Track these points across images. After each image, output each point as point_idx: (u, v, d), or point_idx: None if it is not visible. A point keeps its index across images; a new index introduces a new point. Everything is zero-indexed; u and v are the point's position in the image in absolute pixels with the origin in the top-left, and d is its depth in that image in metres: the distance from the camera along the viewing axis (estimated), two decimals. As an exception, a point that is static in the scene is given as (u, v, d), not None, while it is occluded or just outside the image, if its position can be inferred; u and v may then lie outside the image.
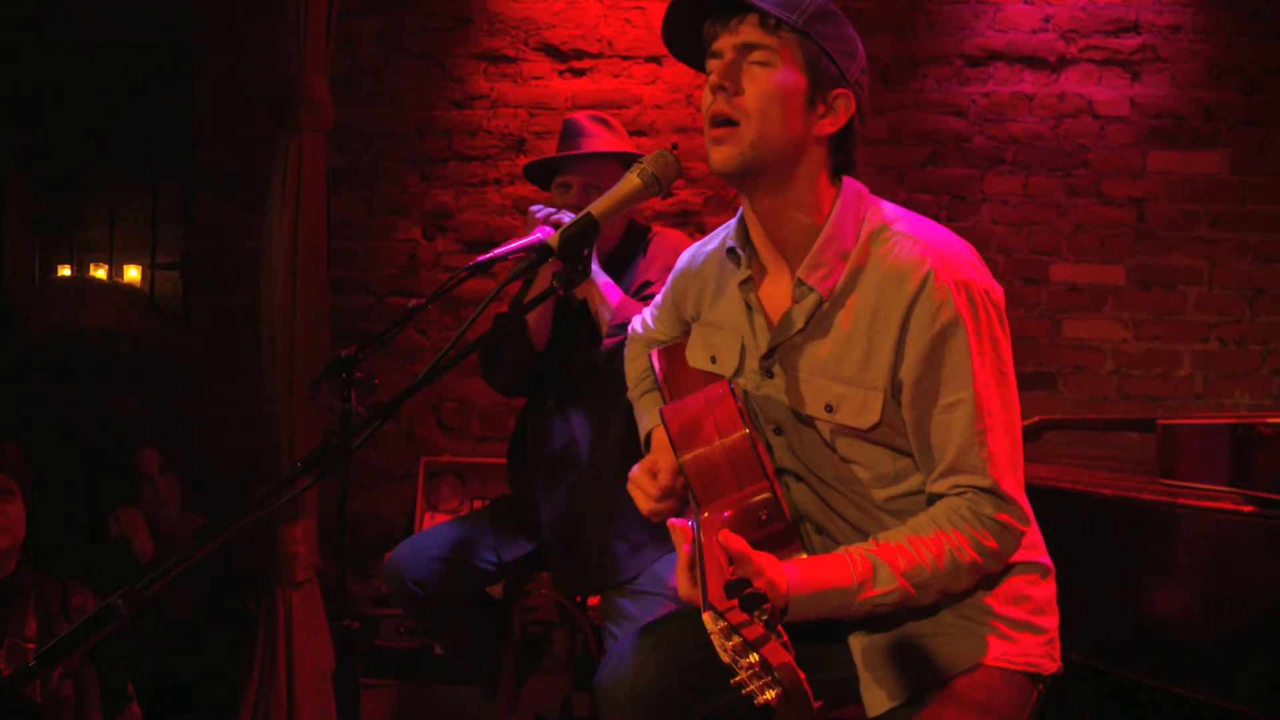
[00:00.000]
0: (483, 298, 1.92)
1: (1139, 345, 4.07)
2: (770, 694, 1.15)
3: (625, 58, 4.23)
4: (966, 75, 4.13)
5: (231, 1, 4.33)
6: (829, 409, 1.61)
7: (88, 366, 4.45)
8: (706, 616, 1.22)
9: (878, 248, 1.61)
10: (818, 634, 1.58)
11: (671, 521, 1.47)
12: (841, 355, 1.61)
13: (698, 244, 1.93)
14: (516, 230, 4.12)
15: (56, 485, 3.73)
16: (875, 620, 1.62)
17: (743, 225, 1.73)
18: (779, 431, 1.72)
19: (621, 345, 2.42)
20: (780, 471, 1.74)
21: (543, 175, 2.81)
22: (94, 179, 4.62)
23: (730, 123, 1.58)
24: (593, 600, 2.94)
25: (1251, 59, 4.03)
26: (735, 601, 1.19)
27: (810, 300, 1.62)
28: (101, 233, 4.65)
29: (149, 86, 4.50)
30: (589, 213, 1.57)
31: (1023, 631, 1.63)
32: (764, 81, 1.57)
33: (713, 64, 1.62)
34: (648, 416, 1.99)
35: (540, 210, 2.58)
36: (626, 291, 2.57)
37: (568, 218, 2.48)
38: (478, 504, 3.99)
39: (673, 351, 1.91)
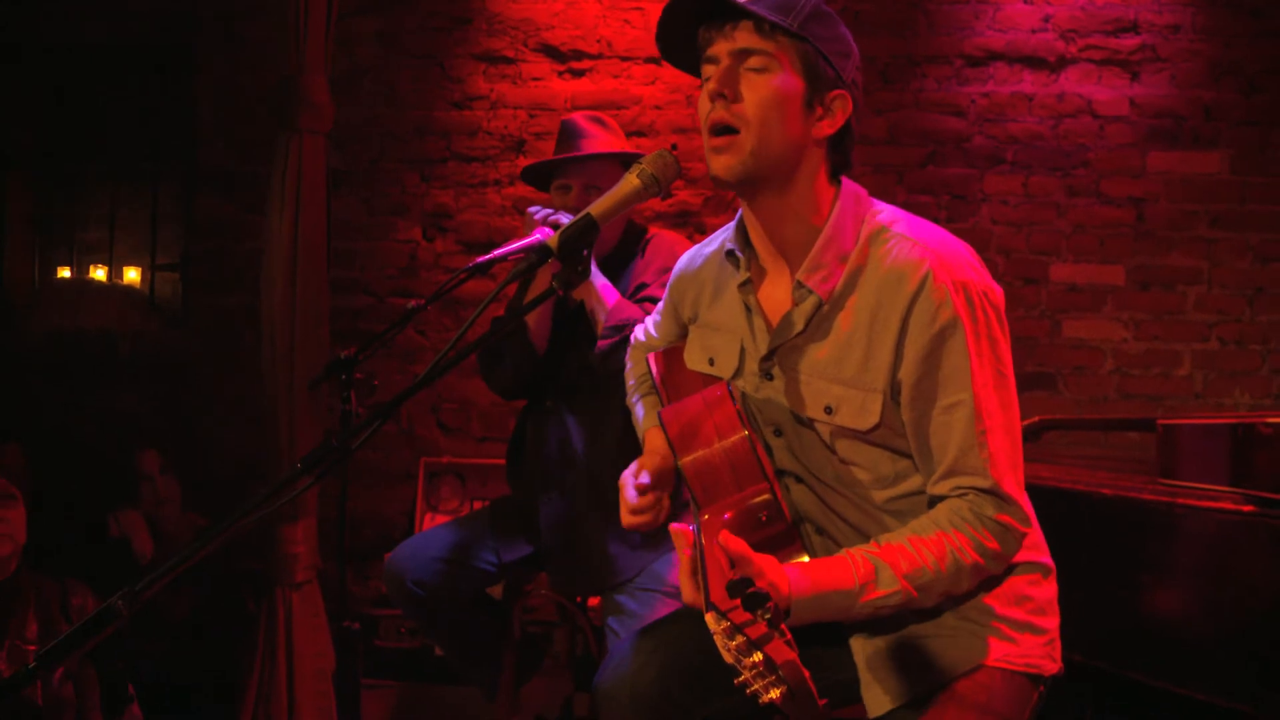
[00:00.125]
0: (482, 299, 1.92)
1: (1139, 345, 4.07)
2: (775, 693, 1.15)
3: (625, 58, 4.23)
4: (966, 75, 4.13)
5: (231, 1, 4.33)
6: (828, 411, 1.61)
7: (88, 367, 4.45)
8: (709, 617, 1.22)
9: (877, 249, 1.61)
10: (818, 636, 1.58)
11: (673, 526, 1.47)
12: (841, 357, 1.61)
13: (696, 247, 1.93)
14: (516, 231, 4.12)
15: (57, 486, 3.73)
16: (877, 622, 1.61)
17: (742, 227, 1.73)
18: (778, 433, 1.72)
19: (616, 347, 2.43)
20: (780, 473, 1.74)
21: (541, 177, 2.81)
22: (94, 179, 4.62)
23: (730, 130, 1.58)
24: (593, 600, 2.94)
25: (1251, 59, 4.04)
26: (738, 601, 1.19)
27: (810, 302, 1.62)
28: (101, 233, 4.65)
29: (149, 86, 4.50)
30: (588, 213, 1.57)
31: (1024, 632, 1.63)
32: (762, 88, 1.56)
33: (709, 70, 1.61)
34: (645, 418, 2.00)
35: (538, 211, 2.57)
36: (623, 293, 2.57)
37: (566, 219, 2.48)
38: (478, 504, 4.00)
39: (671, 354, 1.91)
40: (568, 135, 2.71)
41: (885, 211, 1.67)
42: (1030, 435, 3.13)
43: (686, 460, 1.61)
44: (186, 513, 3.87)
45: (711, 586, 1.25)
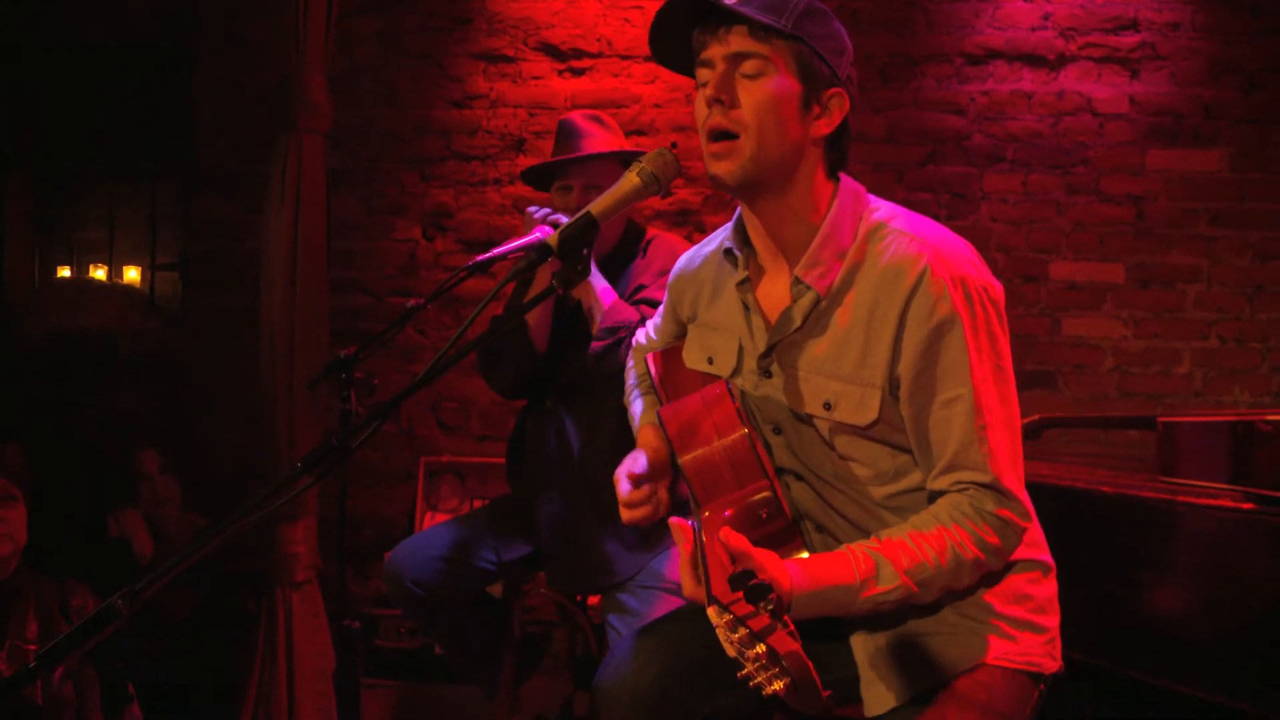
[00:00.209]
0: (482, 298, 1.92)
1: (1138, 343, 4.07)
2: (778, 684, 1.15)
3: (624, 57, 4.23)
4: (966, 74, 4.12)
5: (231, 1, 4.33)
6: (827, 407, 1.61)
7: (87, 367, 4.45)
8: (711, 611, 1.21)
9: (874, 245, 1.61)
10: (818, 633, 1.58)
11: (673, 520, 1.47)
12: (839, 353, 1.61)
13: (696, 246, 1.93)
14: (516, 230, 4.11)
15: (56, 486, 3.73)
16: (877, 619, 1.62)
17: (740, 226, 1.73)
18: (778, 431, 1.72)
19: (609, 349, 2.43)
20: (780, 471, 1.74)
21: (541, 178, 2.80)
22: (93, 179, 4.62)
23: (729, 136, 1.58)
24: (592, 599, 2.94)
25: (1251, 56, 4.03)
26: (740, 595, 1.19)
27: (808, 299, 1.62)
28: (101, 233, 4.65)
29: (148, 86, 4.50)
30: (588, 212, 1.56)
31: (1024, 630, 1.63)
32: (759, 92, 1.56)
33: (703, 73, 1.61)
34: (641, 415, 1.99)
35: (538, 211, 2.58)
36: (622, 294, 2.57)
37: (565, 219, 2.48)
38: (477, 504, 3.99)
39: (669, 354, 1.91)
40: (566, 135, 2.70)
41: (883, 208, 1.67)
42: (1030, 433, 3.13)
43: (686, 459, 1.61)
44: (186, 513, 3.87)
45: (713, 581, 1.25)
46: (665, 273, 2.03)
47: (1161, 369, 4.06)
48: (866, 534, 1.60)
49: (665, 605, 2.48)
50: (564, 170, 2.69)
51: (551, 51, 4.27)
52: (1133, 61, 4.07)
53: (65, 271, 4.70)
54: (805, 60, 1.57)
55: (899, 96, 4.14)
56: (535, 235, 2.51)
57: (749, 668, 1.18)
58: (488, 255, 2.46)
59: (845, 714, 1.70)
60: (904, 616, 1.62)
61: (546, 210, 2.58)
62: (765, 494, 1.56)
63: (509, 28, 4.28)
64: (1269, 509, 2.08)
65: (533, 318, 2.64)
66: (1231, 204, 4.04)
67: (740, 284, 1.71)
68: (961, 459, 1.55)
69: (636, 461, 1.77)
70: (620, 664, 1.78)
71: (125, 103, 4.50)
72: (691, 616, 1.80)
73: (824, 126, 1.61)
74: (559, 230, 1.55)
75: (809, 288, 1.62)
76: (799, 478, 1.73)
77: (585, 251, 1.55)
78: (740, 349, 1.73)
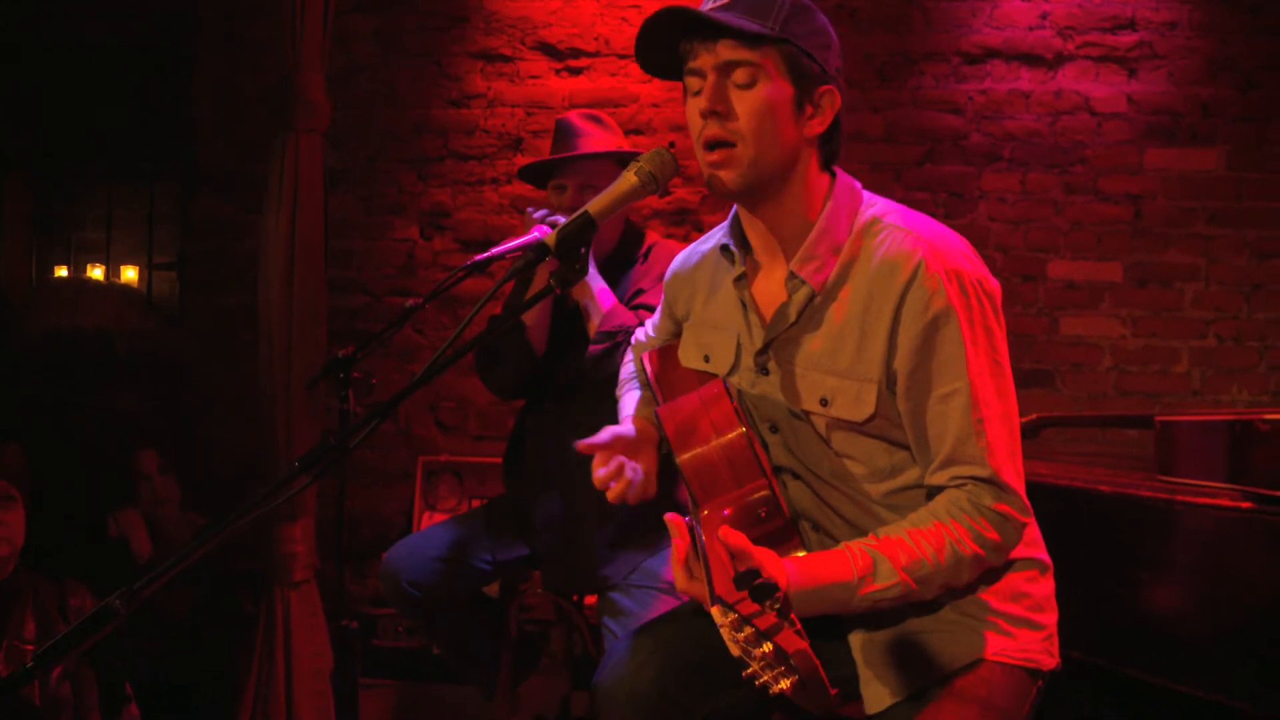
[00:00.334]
0: (480, 297, 1.92)
1: (1136, 342, 4.07)
2: (785, 682, 1.15)
3: (622, 56, 4.23)
4: (964, 73, 4.12)
5: (231, 1, 4.33)
6: (824, 402, 1.61)
7: (86, 367, 4.45)
8: (715, 610, 1.21)
9: (869, 240, 1.62)
10: (817, 632, 1.57)
11: (667, 516, 1.47)
12: (835, 348, 1.61)
13: (692, 245, 1.93)
14: (514, 229, 4.11)
15: (55, 486, 3.73)
16: (875, 617, 1.62)
17: (736, 223, 1.74)
18: (774, 429, 1.72)
19: (607, 353, 2.43)
20: (777, 469, 1.74)
21: (538, 176, 2.80)
22: (93, 179, 4.61)
23: (726, 144, 1.58)
24: (589, 599, 2.94)
25: (1248, 55, 4.04)
26: (745, 593, 1.19)
27: (803, 293, 1.63)
28: (99, 234, 4.65)
29: (148, 86, 4.49)
30: (586, 211, 1.56)
31: (1021, 627, 1.63)
32: (753, 100, 1.56)
33: (693, 82, 1.61)
34: (629, 407, 1.99)
35: (537, 212, 2.58)
36: (620, 298, 2.57)
37: (563, 219, 2.48)
38: (475, 503, 3.99)
39: (665, 352, 1.91)
40: (563, 134, 2.70)
41: (879, 204, 1.67)
42: (1028, 433, 3.13)
43: (684, 458, 1.61)
44: (185, 513, 3.87)
45: (716, 580, 1.25)
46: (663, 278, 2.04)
47: (1159, 368, 4.06)
48: (864, 533, 1.60)
49: (662, 607, 2.48)
50: (560, 169, 2.69)
51: (549, 51, 4.27)
52: (1130, 60, 4.07)
53: (62, 271, 4.69)
54: (795, 61, 1.57)
55: (897, 95, 4.14)
56: (533, 235, 2.51)
57: (754, 666, 1.18)
58: (486, 255, 2.46)
59: (846, 713, 1.70)
60: (902, 614, 1.62)
61: (545, 211, 2.58)
62: (764, 493, 1.56)
63: (506, 27, 4.28)
64: (1267, 508, 2.08)
65: (531, 318, 2.64)
66: (1229, 203, 4.04)
67: (737, 280, 1.72)
68: (959, 453, 1.55)
69: (597, 436, 1.77)
70: (618, 664, 1.78)
71: (125, 103, 4.50)
72: (689, 616, 1.81)
73: (817, 125, 1.62)
74: (557, 229, 1.55)
75: (804, 283, 1.62)
76: (796, 476, 1.73)
77: (583, 251, 1.55)
78: (739, 346, 1.73)
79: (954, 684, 1.59)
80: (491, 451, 4.08)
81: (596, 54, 4.25)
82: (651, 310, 2.41)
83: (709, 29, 1.56)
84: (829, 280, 1.62)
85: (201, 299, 4.42)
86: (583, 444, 1.76)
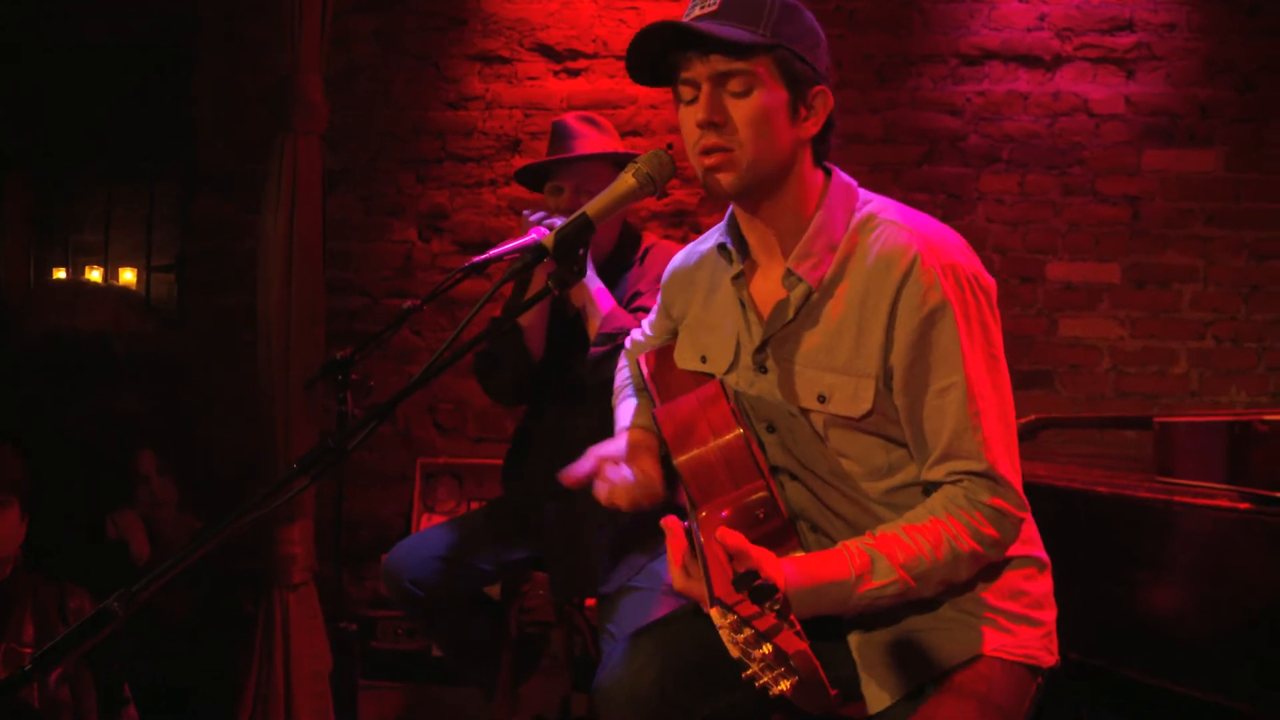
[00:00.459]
0: (478, 299, 1.92)
1: (1135, 343, 4.07)
2: (785, 684, 1.15)
3: (620, 58, 4.22)
4: (962, 74, 4.13)
5: (231, 1, 4.32)
6: (822, 399, 1.61)
7: (84, 368, 4.44)
8: (714, 612, 1.21)
9: (865, 236, 1.62)
10: (816, 633, 1.57)
11: (663, 520, 1.47)
12: (833, 345, 1.61)
13: (689, 246, 1.93)
14: (512, 231, 4.11)
15: (54, 487, 3.71)
16: (873, 617, 1.62)
17: (733, 222, 1.74)
18: (771, 429, 1.72)
19: (606, 356, 2.43)
20: (774, 470, 1.74)
21: (535, 178, 2.80)
22: (92, 179, 4.61)
23: (723, 149, 1.58)
24: (590, 600, 2.94)
25: (1246, 56, 4.04)
26: (744, 595, 1.19)
27: (800, 290, 1.63)
28: (97, 235, 4.64)
29: (148, 86, 4.49)
30: (584, 213, 1.56)
31: (1020, 624, 1.63)
32: (749, 108, 1.57)
33: (687, 91, 1.62)
34: (629, 414, 1.99)
35: (534, 214, 2.58)
36: (618, 301, 2.57)
37: (562, 222, 2.48)
38: (474, 505, 3.99)
39: (661, 353, 1.91)
40: (560, 137, 2.71)
41: (875, 201, 1.68)
42: (1027, 434, 3.13)
43: (682, 459, 1.61)
44: (183, 514, 3.86)
45: (714, 582, 1.25)
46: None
47: (1158, 369, 4.06)
48: (862, 533, 1.60)
49: (663, 609, 2.48)
50: (556, 171, 2.69)
51: (547, 52, 4.27)
52: (1128, 62, 4.07)
53: (60, 273, 4.69)
54: (788, 66, 1.58)
55: (895, 96, 4.14)
56: (531, 236, 2.51)
57: (754, 668, 1.17)
58: (484, 256, 2.46)
59: (847, 714, 1.70)
60: (900, 614, 1.62)
61: (542, 213, 2.59)
62: (762, 494, 1.56)
63: (504, 29, 4.28)
64: (1265, 509, 2.08)
65: (528, 320, 2.64)
66: (1227, 204, 4.05)
67: (735, 279, 1.72)
68: (955, 448, 1.55)
69: (580, 465, 1.78)
70: (618, 666, 1.78)
71: (125, 103, 4.49)
72: (688, 618, 1.81)
73: (812, 127, 1.63)
74: (554, 231, 1.55)
75: (801, 280, 1.62)
76: (793, 476, 1.73)
77: (581, 252, 1.55)
78: (737, 344, 1.73)
79: (953, 679, 1.59)
80: (490, 454, 4.08)
81: (595, 56, 4.25)
82: (649, 313, 2.42)
83: (702, 43, 1.57)
84: (826, 277, 1.62)
85: (201, 299, 4.42)
86: (568, 479, 1.76)
